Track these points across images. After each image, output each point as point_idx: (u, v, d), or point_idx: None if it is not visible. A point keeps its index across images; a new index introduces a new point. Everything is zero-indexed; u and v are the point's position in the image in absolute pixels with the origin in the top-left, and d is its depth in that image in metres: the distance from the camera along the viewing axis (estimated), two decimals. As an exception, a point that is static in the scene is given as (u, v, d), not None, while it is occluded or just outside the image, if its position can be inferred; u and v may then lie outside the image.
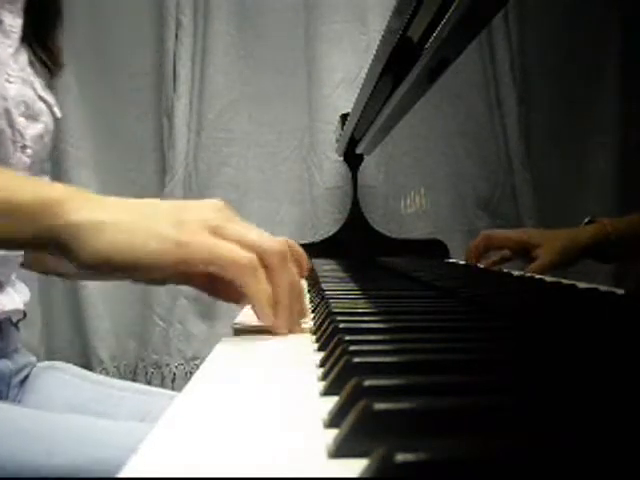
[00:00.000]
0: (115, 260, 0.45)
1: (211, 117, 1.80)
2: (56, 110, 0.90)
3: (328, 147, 1.76)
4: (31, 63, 0.87)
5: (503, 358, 0.35)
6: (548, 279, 0.65)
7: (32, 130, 0.83)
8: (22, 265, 0.86)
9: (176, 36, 1.80)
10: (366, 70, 1.07)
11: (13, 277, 0.85)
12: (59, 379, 0.90)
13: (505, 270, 0.77)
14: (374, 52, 0.96)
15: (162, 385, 1.80)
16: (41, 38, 0.89)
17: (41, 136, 0.84)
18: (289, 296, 0.49)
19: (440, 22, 0.69)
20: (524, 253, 0.67)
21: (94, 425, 0.71)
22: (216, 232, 0.46)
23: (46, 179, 0.96)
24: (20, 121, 0.80)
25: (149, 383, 1.79)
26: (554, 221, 0.60)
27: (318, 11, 1.78)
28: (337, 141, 1.65)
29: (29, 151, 0.82)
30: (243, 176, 1.83)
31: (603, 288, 0.56)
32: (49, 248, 0.47)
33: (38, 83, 0.87)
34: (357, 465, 0.21)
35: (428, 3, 0.70)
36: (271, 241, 0.48)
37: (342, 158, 1.65)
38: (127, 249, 0.45)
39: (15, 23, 0.83)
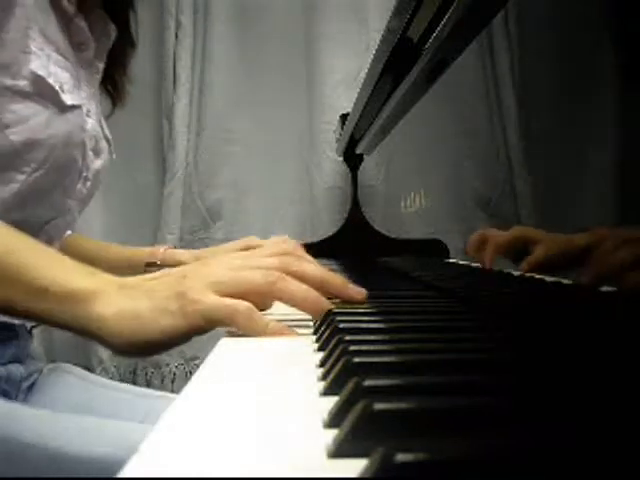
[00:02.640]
0: (135, 343, 0.50)
1: (211, 117, 1.80)
2: (113, 150, 0.94)
3: (328, 147, 1.76)
4: (104, 87, 0.93)
5: (503, 358, 0.35)
6: (548, 279, 0.65)
7: (95, 165, 0.86)
8: None
9: (176, 37, 1.79)
10: (366, 70, 1.07)
11: None
12: (63, 381, 0.90)
13: (505, 270, 0.77)
14: (374, 52, 0.96)
15: (162, 385, 1.80)
16: (112, 71, 0.94)
17: (99, 172, 0.88)
18: (307, 304, 0.53)
19: (440, 22, 0.69)
20: (522, 251, 0.67)
21: (102, 423, 0.71)
22: (215, 289, 0.50)
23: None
24: (89, 155, 0.84)
25: (149, 383, 1.80)
26: (554, 221, 0.60)
27: (318, 11, 1.78)
28: (337, 141, 1.65)
29: (88, 184, 0.85)
30: (243, 176, 1.83)
31: (604, 288, 0.56)
32: (84, 335, 0.52)
33: (104, 123, 0.91)
34: (357, 465, 0.21)
35: (428, 3, 0.70)
36: (256, 275, 0.51)
37: (342, 158, 1.65)
38: (142, 333, 0.50)
39: (100, 66, 0.89)
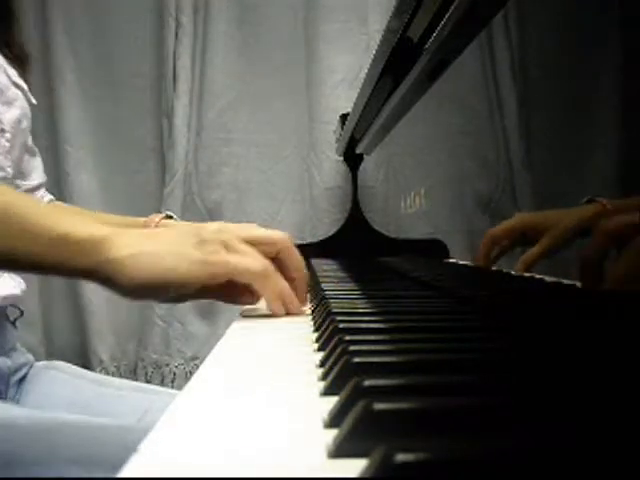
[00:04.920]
0: (150, 284, 0.52)
1: (211, 117, 1.80)
2: (30, 96, 0.92)
3: (328, 147, 1.76)
4: (3, 53, 0.90)
5: (503, 358, 0.35)
6: (548, 279, 0.65)
7: (9, 115, 0.85)
8: None
9: (176, 36, 1.79)
10: (366, 70, 1.07)
11: None
12: (58, 378, 0.90)
13: (505, 270, 0.77)
14: (374, 52, 0.96)
15: (162, 385, 1.80)
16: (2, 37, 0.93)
17: (19, 121, 0.87)
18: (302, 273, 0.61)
19: (440, 22, 0.69)
20: (528, 239, 0.66)
21: (92, 424, 0.71)
22: (228, 247, 0.55)
23: (38, 161, 0.97)
24: None
25: (149, 383, 1.79)
26: (554, 221, 0.60)
27: (318, 11, 1.78)
28: (337, 141, 1.65)
29: (8, 135, 0.84)
30: (243, 176, 1.83)
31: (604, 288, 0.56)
32: (93, 279, 0.54)
33: (12, 71, 0.89)
34: (357, 465, 0.21)
35: (428, 3, 0.70)
36: (274, 233, 0.60)
37: (342, 158, 1.65)
38: (160, 274, 0.52)
39: None
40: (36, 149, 1.00)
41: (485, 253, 0.78)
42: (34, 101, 0.94)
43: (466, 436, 0.22)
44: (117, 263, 0.51)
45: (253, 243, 0.57)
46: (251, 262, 0.55)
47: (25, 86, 0.91)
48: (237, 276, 0.55)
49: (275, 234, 0.60)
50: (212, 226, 0.58)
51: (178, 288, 0.54)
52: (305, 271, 0.63)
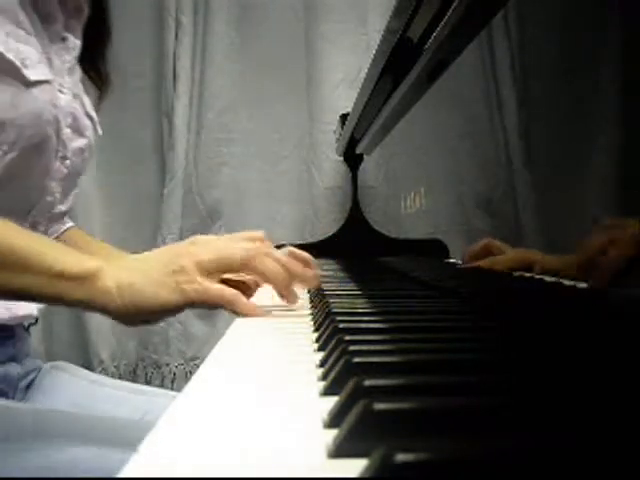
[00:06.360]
0: (136, 311, 0.59)
1: (211, 117, 1.80)
2: (99, 127, 0.93)
3: (328, 147, 1.76)
4: (82, 82, 0.90)
5: (503, 358, 0.35)
6: (548, 279, 0.65)
7: (75, 143, 0.84)
8: None
9: (176, 36, 1.79)
10: (366, 70, 1.07)
11: None
12: (61, 379, 0.90)
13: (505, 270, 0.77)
14: (374, 52, 0.96)
15: (162, 385, 1.80)
16: (93, 59, 0.94)
17: (82, 150, 0.86)
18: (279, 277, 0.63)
19: (440, 22, 0.69)
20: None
21: (96, 421, 0.71)
22: (202, 269, 0.60)
23: (77, 189, 0.98)
24: (66, 132, 0.82)
25: (149, 383, 1.79)
26: (554, 221, 0.60)
27: (318, 11, 1.78)
28: (337, 141, 1.65)
29: (68, 162, 0.84)
30: (243, 176, 1.83)
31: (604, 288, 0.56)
32: (91, 308, 0.60)
33: (87, 100, 0.89)
34: (357, 465, 0.21)
35: (428, 3, 0.70)
36: (235, 251, 0.62)
37: (342, 158, 1.65)
38: (143, 302, 0.58)
39: (76, 43, 0.87)
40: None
41: (476, 255, 0.78)
42: (100, 132, 0.93)
43: (466, 436, 0.22)
44: (107, 294, 0.58)
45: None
46: (219, 288, 0.60)
47: (96, 117, 0.91)
48: (210, 300, 0.60)
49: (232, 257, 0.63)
50: (187, 246, 0.63)
51: (162, 314, 0.61)
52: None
